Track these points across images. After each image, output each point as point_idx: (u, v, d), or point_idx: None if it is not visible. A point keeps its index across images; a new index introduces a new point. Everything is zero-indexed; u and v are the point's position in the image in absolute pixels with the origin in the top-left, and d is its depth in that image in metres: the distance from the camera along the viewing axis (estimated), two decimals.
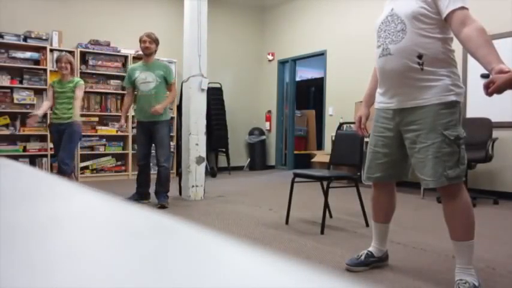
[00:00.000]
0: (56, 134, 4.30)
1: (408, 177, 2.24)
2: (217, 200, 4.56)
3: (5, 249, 0.22)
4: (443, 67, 1.92)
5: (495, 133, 4.62)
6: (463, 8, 1.84)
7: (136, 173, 4.33)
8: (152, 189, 4.26)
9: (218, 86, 7.33)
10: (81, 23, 6.30)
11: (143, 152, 4.24)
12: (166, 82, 4.19)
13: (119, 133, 6.45)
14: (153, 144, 4.21)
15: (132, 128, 6.53)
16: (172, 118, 5.07)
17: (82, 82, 4.35)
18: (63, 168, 4.17)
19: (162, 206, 4.02)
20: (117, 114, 6.45)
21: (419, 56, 1.91)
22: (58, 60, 4.30)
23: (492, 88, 1.66)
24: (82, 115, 6.15)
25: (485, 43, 1.74)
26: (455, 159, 1.89)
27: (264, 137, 8.06)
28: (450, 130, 1.89)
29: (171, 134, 6.93)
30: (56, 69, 4.44)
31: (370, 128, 2.31)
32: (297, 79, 8.54)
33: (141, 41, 4.15)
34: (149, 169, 4.32)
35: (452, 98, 1.90)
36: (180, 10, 6.08)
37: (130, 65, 4.30)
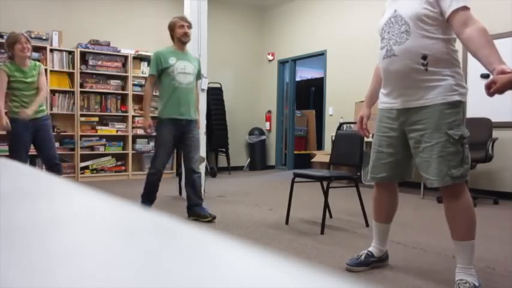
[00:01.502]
0: (25, 132, 3.56)
1: (411, 177, 2.25)
2: (217, 200, 4.55)
3: (5, 249, 0.22)
4: (447, 67, 1.92)
5: (495, 133, 4.62)
6: (465, 8, 1.85)
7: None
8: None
9: (218, 86, 7.33)
10: (81, 23, 6.30)
11: (167, 158, 3.50)
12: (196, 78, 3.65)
13: (119, 133, 6.45)
14: (182, 147, 3.57)
15: (132, 127, 6.54)
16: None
17: (42, 65, 3.76)
18: (58, 167, 3.76)
19: (212, 218, 3.41)
20: (117, 114, 6.45)
21: (424, 57, 1.91)
22: (15, 41, 3.50)
23: (494, 88, 1.66)
24: (82, 115, 6.18)
25: (487, 44, 1.75)
26: (459, 158, 1.90)
27: (264, 137, 8.06)
28: (454, 130, 1.90)
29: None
30: (10, 57, 3.60)
31: (371, 128, 2.31)
32: (297, 79, 8.54)
33: (176, 25, 3.51)
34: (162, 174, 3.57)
35: (457, 97, 1.91)
36: (180, 10, 6.09)
37: (156, 50, 3.66)
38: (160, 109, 3.47)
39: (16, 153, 3.56)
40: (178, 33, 3.50)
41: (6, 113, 3.53)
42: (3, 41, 5.50)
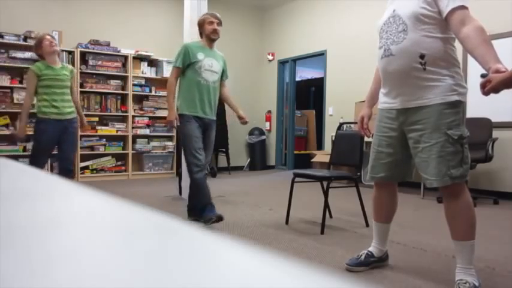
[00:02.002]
0: (52, 132, 3.54)
1: (412, 177, 2.25)
2: (217, 200, 4.56)
3: (5, 249, 0.22)
4: (445, 67, 1.92)
5: (495, 133, 4.62)
6: (463, 7, 1.85)
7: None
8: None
9: None
10: (81, 23, 6.30)
11: (204, 152, 3.29)
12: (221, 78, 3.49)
13: (119, 133, 6.45)
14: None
15: (133, 127, 6.54)
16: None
17: (74, 70, 3.85)
18: (71, 174, 3.65)
19: (219, 218, 3.18)
20: (117, 114, 6.45)
21: (422, 56, 1.91)
22: (42, 38, 3.61)
23: (488, 87, 1.66)
24: None
25: (484, 42, 1.74)
26: (459, 158, 1.90)
27: (264, 137, 8.06)
28: (453, 130, 1.89)
29: (172, 134, 6.94)
30: (40, 53, 3.67)
31: (372, 128, 2.32)
32: (297, 79, 8.54)
33: (205, 22, 3.38)
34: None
35: (456, 97, 1.91)
36: (180, 10, 6.09)
37: (185, 42, 3.55)
38: (181, 105, 3.30)
39: (39, 154, 3.58)
40: (208, 30, 3.36)
41: (34, 114, 3.56)
42: (3, 41, 5.54)
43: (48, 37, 3.63)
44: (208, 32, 3.35)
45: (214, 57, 3.39)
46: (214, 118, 3.47)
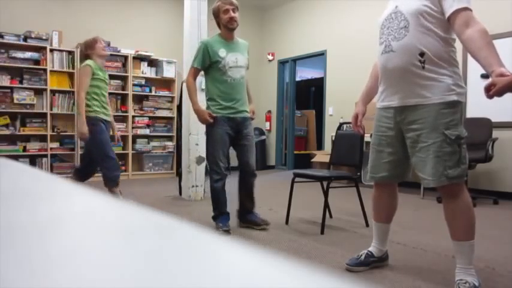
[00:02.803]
0: (107, 132, 3.65)
1: (410, 177, 2.25)
2: None
3: (5, 249, 0.22)
4: (444, 67, 1.92)
5: (495, 133, 4.62)
6: (467, 8, 1.84)
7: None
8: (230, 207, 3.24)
9: None
10: (81, 23, 6.30)
11: (226, 160, 3.14)
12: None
13: (119, 133, 6.43)
14: (237, 148, 3.19)
15: (133, 127, 6.54)
16: None
17: None
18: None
19: (264, 224, 3.13)
20: (117, 114, 6.45)
21: (421, 54, 1.91)
22: (96, 41, 3.70)
23: (493, 91, 1.66)
24: None
25: (487, 45, 1.74)
26: (456, 158, 1.89)
27: (264, 137, 8.06)
28: (451, 130, 1.89)
29: (171, 134, 6.94)
30: (88, 54, 3.65)
31: (368, 127, 2.31)
32: (297, 79, 8.54)
33: (220, 11, 3.07)
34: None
35: (454, 97, 1.90)
36: (180, 10, 6.09)
37: (203, 38, 3.33)
38: (210, 107, 3.08)
39: (107, 147, 3.60)
40: (224, 20, 3.05)
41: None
42: (3, 41, 5.55)
43: (101, 40, 3.71)
44: (225, 22, 3.06)
45: (238, 49, 3.11)
46: (247, 114, 3.17)
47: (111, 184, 3.65)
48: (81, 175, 3.78)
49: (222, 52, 3.03)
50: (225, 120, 3.04)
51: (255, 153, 3.20)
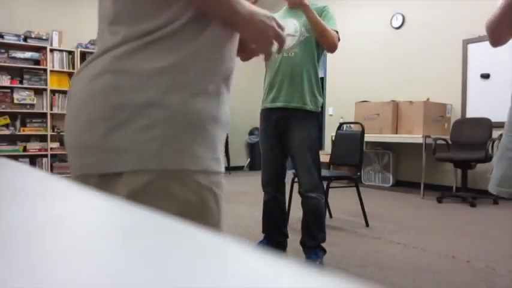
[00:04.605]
0: None
1: None
2: None
3: (4, 250, 0.22)
4: None
5: (495, 133, 4.62)
6: None
7: None
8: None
9: None
10: (81, 23, 6.30)
11: (273, 168, 2.43)
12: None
13: None
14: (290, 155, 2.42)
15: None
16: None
17: None
18: None
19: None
20: None
21: None
22: None
23: None
24: None
25: None
26: None
27: None
28: None
29: None
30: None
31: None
32: None
33: None
34: (283, 198, 2.54)
35: None
36: None
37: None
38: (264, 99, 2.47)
39: None
40: None
41: None
42: (3, 41, 5.54)
43: None
44: None
45: (293, 15, 2.31)
46: (302, 105, 2.28)
47: None
48: None
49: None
50: (267, 113, 2.43)
51: (312, 165, 2.49)
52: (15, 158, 5.36)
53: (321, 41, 2.26)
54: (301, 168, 2.34)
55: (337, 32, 2.28)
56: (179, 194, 0.69)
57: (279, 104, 2.31)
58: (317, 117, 2.36)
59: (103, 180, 0.70)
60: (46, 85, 5.80)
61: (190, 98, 0.71)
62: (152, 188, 0.68)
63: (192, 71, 0.71)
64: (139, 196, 0.67)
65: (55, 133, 5.92)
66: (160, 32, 0.69)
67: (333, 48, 2.27)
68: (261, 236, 2.64)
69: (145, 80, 0.68)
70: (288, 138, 2.34)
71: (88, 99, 0.72)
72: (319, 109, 2.38)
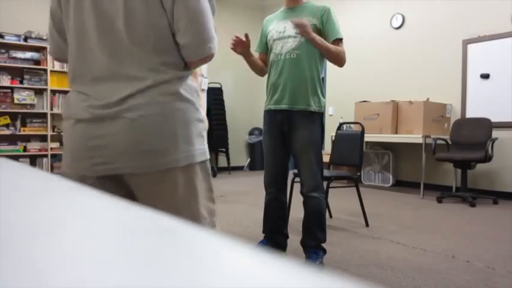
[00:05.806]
0: None
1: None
2: (217, 199, 4.55)
3: (4, 250, 0.22)
4: None
5: (495, 133, 4.62)
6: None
7: None
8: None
9: (218, 86, 7.33)
10: None
11: (276, 169, 2.41)
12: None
13: None
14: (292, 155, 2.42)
15: None
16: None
17: None
18: None
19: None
20: None
21: None
22: None
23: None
24: None
25: None
26: None
27: None
28: None
29: None
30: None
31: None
32: None
33: None
34: (284, 199, 2.53)
35: None
36: None
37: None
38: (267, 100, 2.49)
39: None
40: None
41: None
42: (4, 41, 5.54)
43: None
44: None
45: (294, 16, 2.31)
46: (306, 106, 2.28)
47: None
48: None
49: (272, 24, 2.43)
50: (269, 115, 2.44)
51: (314, 166, 2.40)
52: (16, 158, 5.36)
53: (329, 61, 2.42)
54: (304, 168, 2.32)
55: (341, 39, 2.39)
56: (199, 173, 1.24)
57: (283, 107, 2.31)
58: (320, 117, 2.36)
59: (165, 173, 1.11)
60: (46, 85, 5.80)
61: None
62: (196, 172, 1.21)
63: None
64: (192, 179, 1.21)
65: (55, 133, 5.92)
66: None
67: (341, 66, 2.45)
68: (261, 236, 2.63)
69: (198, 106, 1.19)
70: (291, 138, 2.34)
71: (170, 117, 1.12)
72: (322, 109, 2.38)
